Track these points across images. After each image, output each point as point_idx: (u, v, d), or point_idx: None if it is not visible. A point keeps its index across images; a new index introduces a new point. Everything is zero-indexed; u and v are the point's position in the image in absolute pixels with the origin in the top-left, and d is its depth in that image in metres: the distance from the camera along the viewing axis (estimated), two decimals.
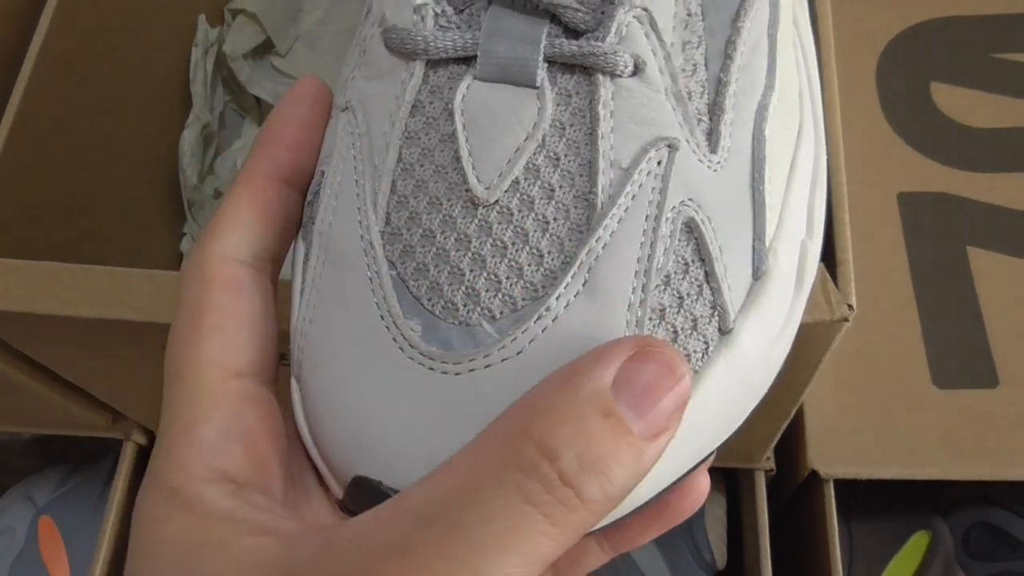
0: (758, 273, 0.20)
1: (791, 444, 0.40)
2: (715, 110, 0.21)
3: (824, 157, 0.24)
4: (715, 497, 0.46)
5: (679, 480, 0.19)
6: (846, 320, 0.26)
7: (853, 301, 0.26)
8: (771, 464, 0.42)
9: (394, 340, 0.18)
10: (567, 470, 0.15)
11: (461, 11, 0.21)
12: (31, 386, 0.36)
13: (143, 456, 0.44)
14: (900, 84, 0.39)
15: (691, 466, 0.19)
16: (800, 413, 0.39)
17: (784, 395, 0.32)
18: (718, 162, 0.20)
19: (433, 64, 0.21)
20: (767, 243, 0.20)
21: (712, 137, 0.20)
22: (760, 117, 0.21)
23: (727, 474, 0.47)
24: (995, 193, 0.39)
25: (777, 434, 0.36)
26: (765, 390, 0.21)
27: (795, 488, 0.41)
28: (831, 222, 0.27)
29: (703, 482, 0.22)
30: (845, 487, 0.40)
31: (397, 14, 0.21)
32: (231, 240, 0.20)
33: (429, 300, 0.19)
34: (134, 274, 0.28)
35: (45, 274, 0.28)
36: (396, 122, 0.20)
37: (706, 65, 0.21)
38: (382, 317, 0.19)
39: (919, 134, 0.39)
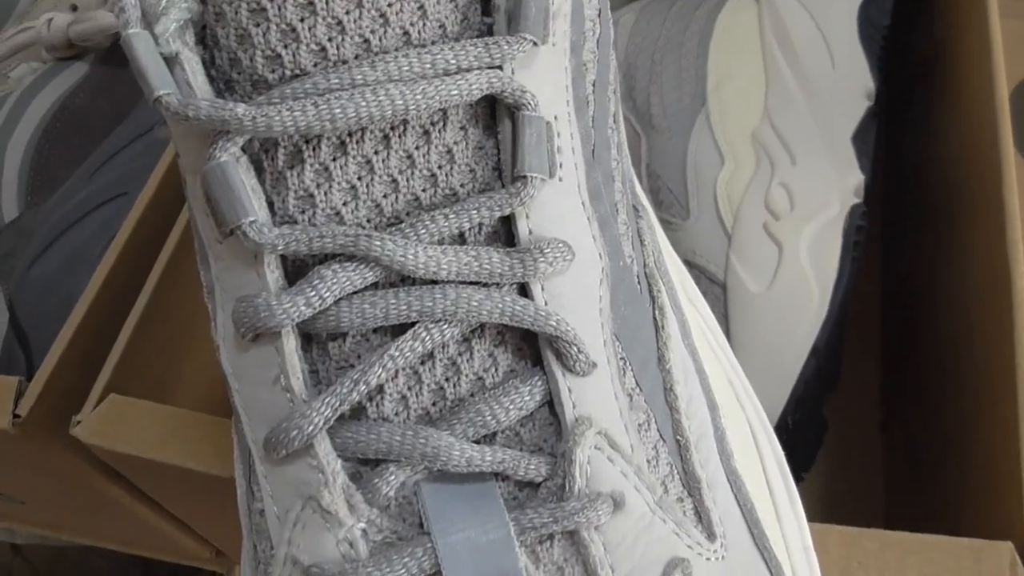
0: None
1: None
2: (690, 482, 0.18)
3: (761, 426, 0.22)
4: None
5: None
6: None
7: None
8: None
9: None
10: None
11: (385, 506, 0.17)
12: (144, 513, 0.37)
13: None
14: None
15: None
16: None
17: None
18: (720, 548, 0.18)
19: None
20: None
21: (703, 520, 0.18)
22: (723, 453, 0.19)
23: None
24: None
25: None
26: None
27: None
28: None
29: None
30: None
31: (316, 551, 0.17)
32: None
33: None
34: None
35: (179, 421, 0.29)
36: None
37: (661, 437, 0.18)
38: None
39: None
